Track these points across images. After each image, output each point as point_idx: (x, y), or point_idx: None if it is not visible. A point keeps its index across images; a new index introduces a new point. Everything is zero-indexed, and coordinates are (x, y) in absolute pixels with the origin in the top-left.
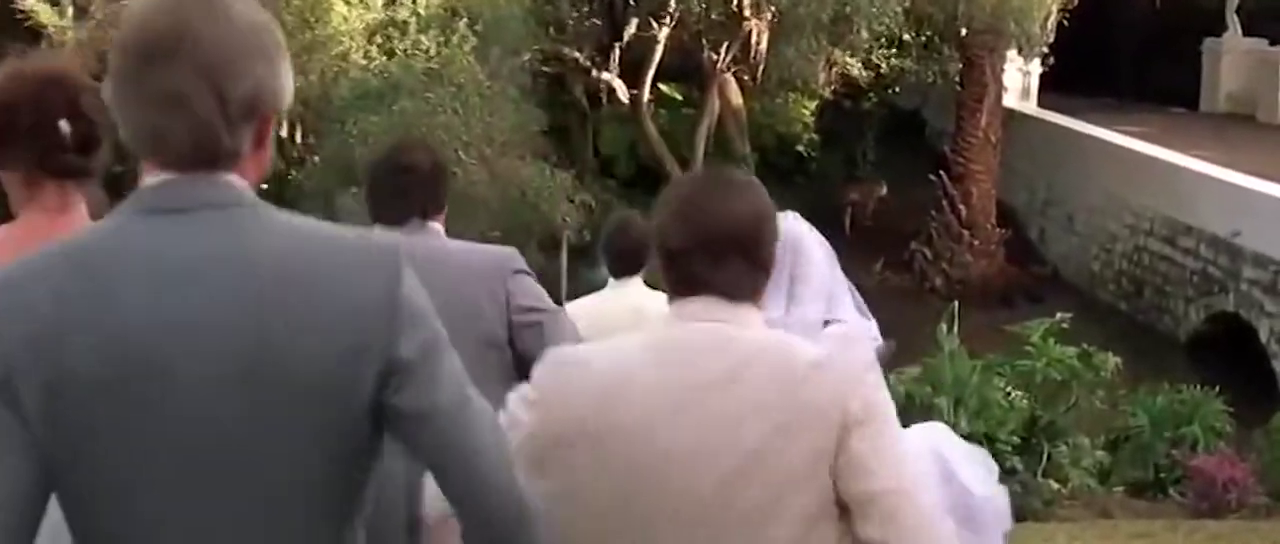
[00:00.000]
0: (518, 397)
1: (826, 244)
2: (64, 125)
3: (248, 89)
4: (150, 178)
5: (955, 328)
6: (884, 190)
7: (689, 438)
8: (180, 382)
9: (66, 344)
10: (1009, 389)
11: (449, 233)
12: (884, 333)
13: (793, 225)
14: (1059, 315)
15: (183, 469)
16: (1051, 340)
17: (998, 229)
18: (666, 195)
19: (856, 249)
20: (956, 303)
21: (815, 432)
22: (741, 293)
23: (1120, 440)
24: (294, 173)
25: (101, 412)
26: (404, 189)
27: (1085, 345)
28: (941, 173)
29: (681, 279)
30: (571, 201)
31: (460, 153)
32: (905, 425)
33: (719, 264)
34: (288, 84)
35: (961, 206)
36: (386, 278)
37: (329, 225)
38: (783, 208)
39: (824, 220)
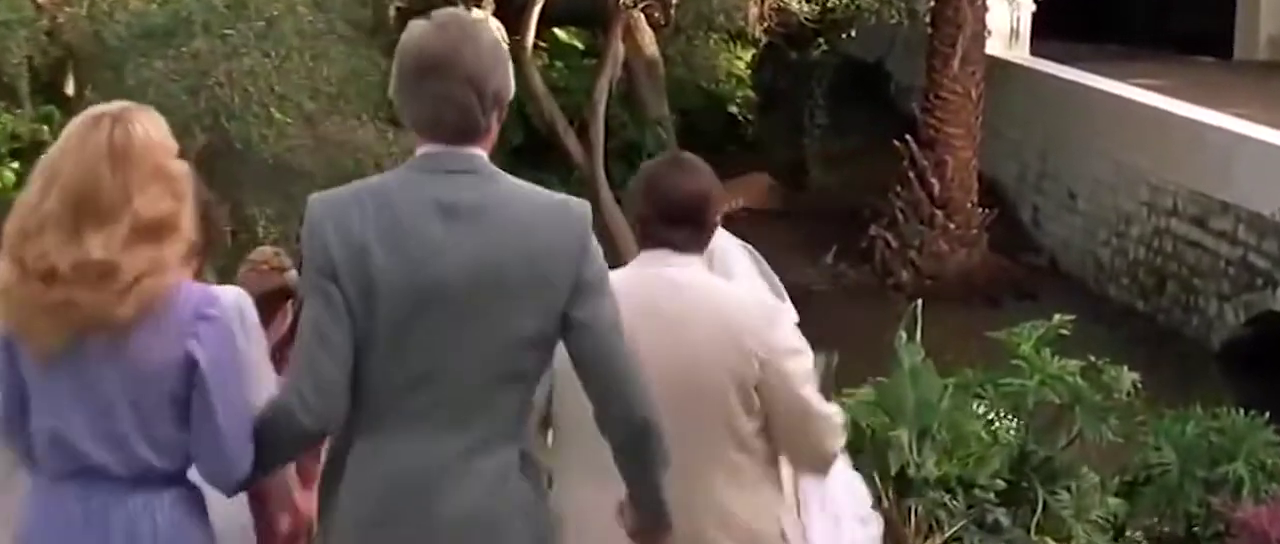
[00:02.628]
0: None
1: (754, 252)
2: None
3: (494, 88)
4: (425, 147)
5: (919, 335)
6: (738, 203)
7: (652, 351)
8: (450, 285)
9: (372, 256)
10: (991, 416)
11: (246, 215)
12: (834, 341)
13: (716, 240)
14: (1057, 318)
15: (446, 340)
16: (1047, 351)
17: (980, 209)
18: (637, 177)
19: (801, 236)
20: (920, 302)
21: (738, 355)
22: (690, 248)
23: (1139, 483)
24: (50, 130)
25: (397, 303)
26: None
27: (1092, 357)
28: (908, 138)
29: (647, 236)
30: None
31: (273, 109)
32: (857, 464)
33: (674, 228)
34: (513, 81)
35: (933, 180)
36: (580, 228)
37: (537, 188)
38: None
39: (773, 197)
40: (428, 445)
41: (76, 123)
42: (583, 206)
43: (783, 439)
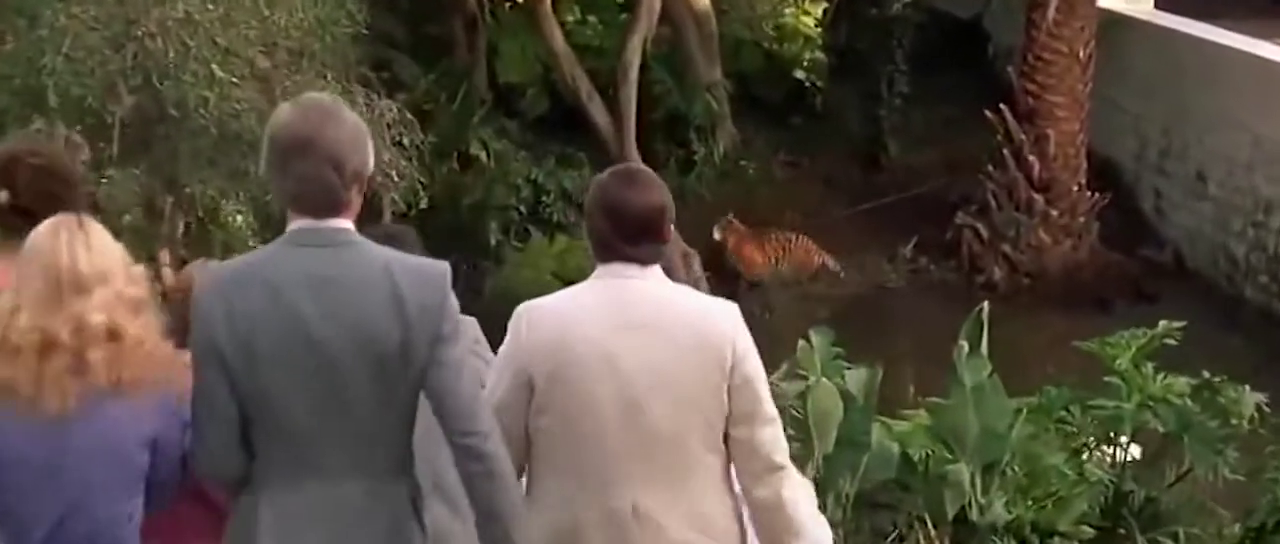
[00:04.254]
0: (512, 324)
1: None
2: (3, 196)
3: (353, 167)
4: (296, 223)
5: (985, 344)
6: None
7: (632, 362)
8: (327, 352)
9: (255, 330)
10: (1078, 446)
11: (185, 194)
12: (909, 350)
13: None
14: (1163, 324)
15: (324, 401)
16: (1148, 365)
17: (1088, 193)
18: (592, 191)
19: (875, 224)
20: (986, 305)
21: (713, 360)
22: (649, 259)
23: (1268, 531)
24: None
25: (281, 372)
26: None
27: (1207, 374)
28: (1004, 109)
29: (605, 250)
30: (399, 145)
31: (215, 66)
32: (900, 505)
33: (631, 242)
34: (372, 160)
35: (1032, 158)
36: (441, 286)
37: (398, 254)
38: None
39: (843, 176)
40: (326, 493)
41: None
42: (441, 267)
43: (737, 443)
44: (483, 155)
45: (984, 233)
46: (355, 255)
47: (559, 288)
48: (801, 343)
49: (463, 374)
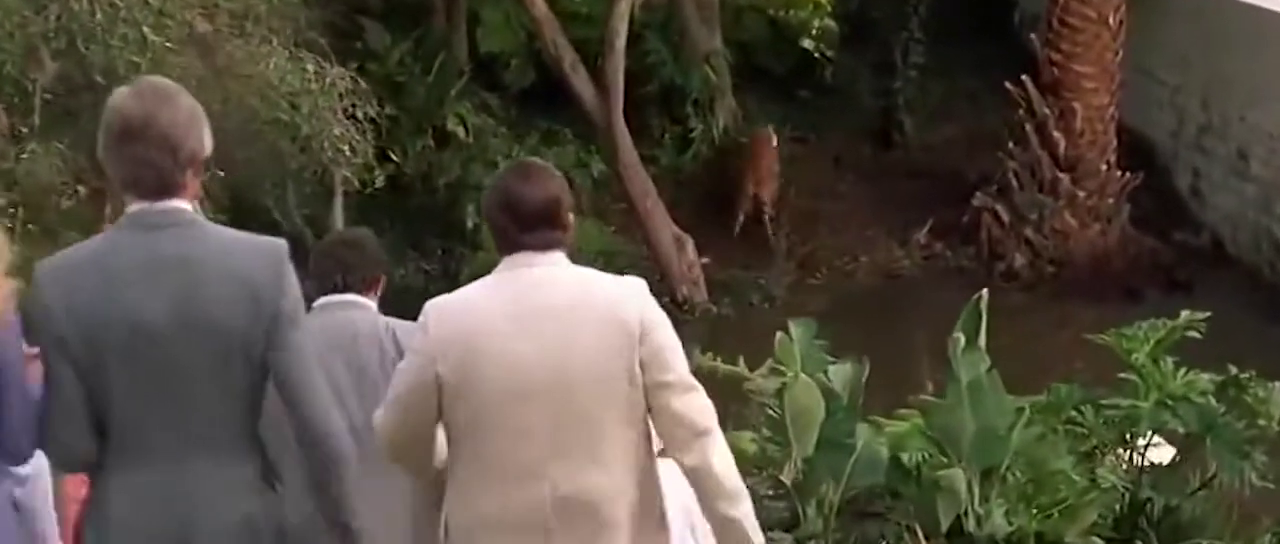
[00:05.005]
0: (420, 322)
1: None
2: None
3: (189, 149)
4: (133, 206)
5: (983, 334)
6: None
7: (540, 346)
8: (167, 333)
9: (96, 316)
10: (1086, 449)
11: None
12: (922, 342)
13: None
14: (1185, 314)
15: (168, 383)
16: (1167, 361)
17: (1120, 172)
18: (487, 189)
19: (888, 206)
20: (985, 293)
21: (621, 336)
22: (549, 247)
23: None
24: None
25: (124, 355)
26: (348, 263)
27: (1234, 369)
28: (1026, 80)
29: (506, 242)
30: (354, 119)
31: (147, 30)
32: (889, 512)
33: (529, 230)
34: (210, 143)
35: (1057, 135)
36: (276, 263)
37: (236, 233)
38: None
39: (853, 154)
40: (173, 475)
41: None
42: (277, 244)
43: (660, 409)
44: (460, 131)
45: (1004, 216)
46: (193, 236)
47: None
48: (780, 335)
49: (301, 356)
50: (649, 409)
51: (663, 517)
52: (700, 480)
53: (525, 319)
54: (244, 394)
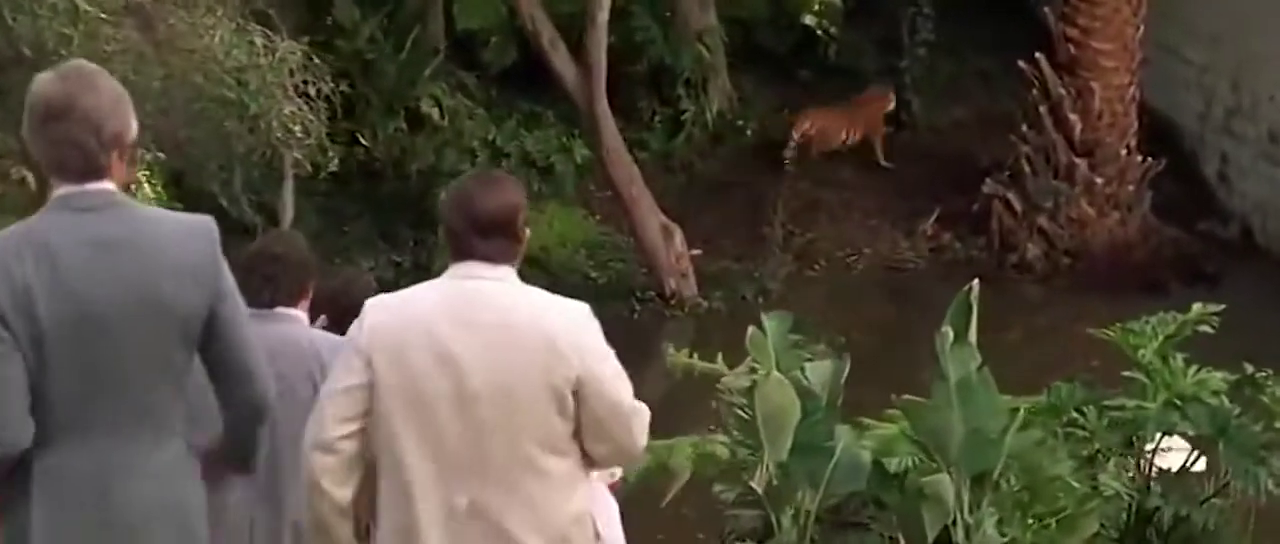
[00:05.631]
0: (358, 319)
1: None
2: None
3: (112, 130)
4: (60, 188)
5: (973, 328)
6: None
7: (471, 359)
8: (105, 313)
9: (34, 295)
10: (1088, 453)
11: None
12: (924, 341)
13: None
14: (1197, 308)
15: (111, 359)
16: (1177, 359)
17: (1141, 157)
18: (446, 194)
19: (892, 193)
20: (977, 283)
21: (556, 360)
22: (503, 259)
23: None
24: None
25: (62, 335)
26: (274, 275)
27: (1250, 367)
28: (1040, 58)
29: (459, 249)
30: (306, 98)
31: (79, 0)
32: (871, 522)
33: (485, 236)
34: (135, 126)
35: (1074, 117)
36: (210, 243)
37: (168, 213)
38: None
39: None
40: (106, 450)
41: None
42: (208, 221)
43: (593, 437)
44: (435, 113)
45: (1017, 204)
46: (125, 216)
47: (520, 266)
48: (752, 329)
49: (246, 331)
50: (582, 434)
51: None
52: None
53: (463, 329)
54: (178, 373)
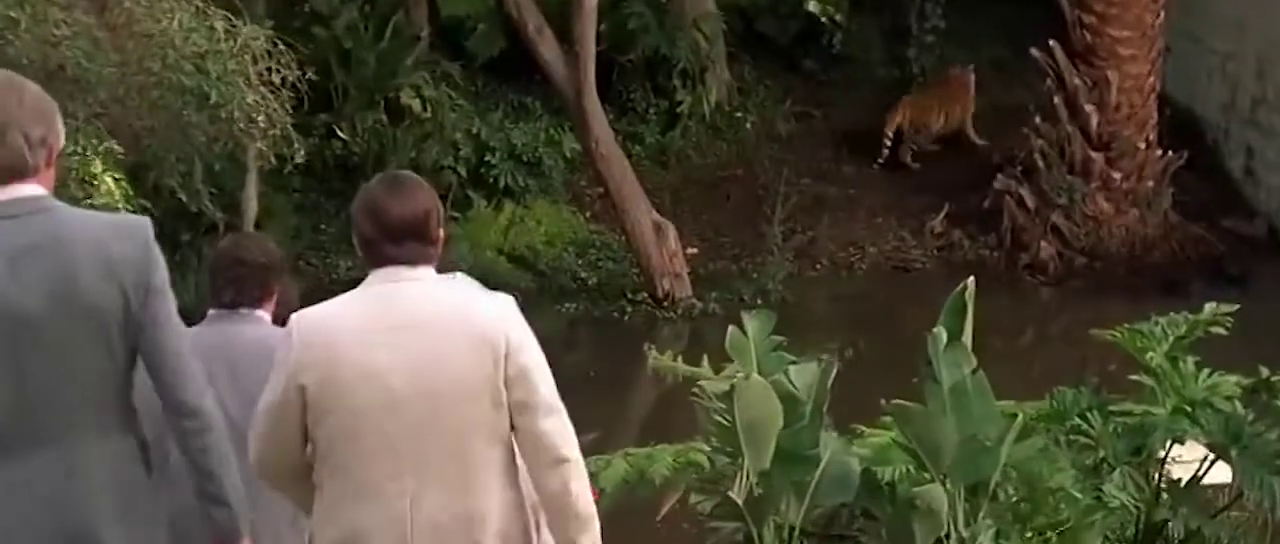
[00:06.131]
0: (283, 335)
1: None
2: None
3: (39, 134)
4: None
5: (969, 329)
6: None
7: (399, 363)
8: (34, 315)
9: None
10: (1093, 462)
11: None
12: (925, 343)
13: None
14: (1210, 307)
15: (46, 361)
16: (1187, 362)
17: (1162, 151)
18: (359, 197)
19: (898, 190)
20: (972, 279)
21: (486, 354)
22: (420, 261)
23: None
24: None
25: None
26: (237, 278)
27: (1266, 371)
28: (1054, 46)
29: (373, 255)
30: (271, 86)
31: None
32: (845, 538)
33: (396, 243)
34: (62, 133)
35: (1089, 108)
36: (143, 239)
37: (97, 214)
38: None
39: (863, 131)
40: (47, 454)
41: None
42: (141, 221)
43: (520, 435)
44: (416, 104)
45: (1030, 201)
46: (54, 220)
47: (505, 266)
48: (732, 329)
49: (172, 330)
50: (513, 430)
51: (530, 540)
52: (557, 505)
53: (390, 334)
54: (120, 372)
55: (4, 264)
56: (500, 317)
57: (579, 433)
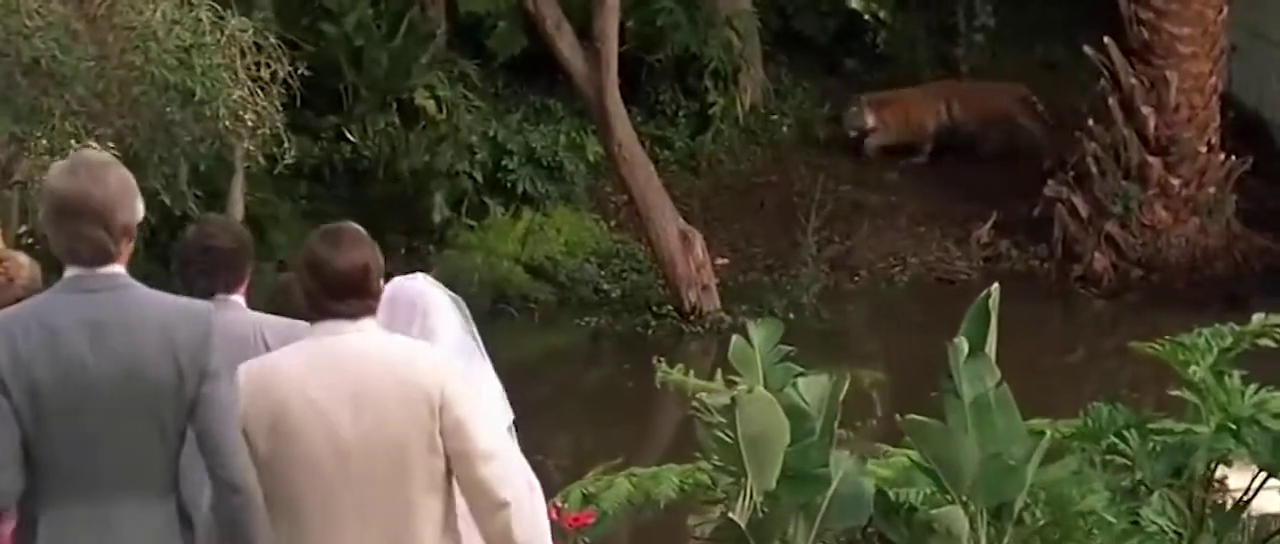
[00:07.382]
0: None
1: (460, 301)
2: None
3: (121, 221)
4: (71, 271)
5: (992, 339)
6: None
7: (342, 414)
8: (100, 389)
9: (35, 369)
10: (1129, 484)
11: None
12: None
13: (413, 286)
14: (1258, 318)
15: (103, 430)
16: (1232, 377)
17: (1225, 155)
18: (302, 250)
19: (945, 198)
20: (996, 288)
21: (422, 406)
22: (360, 314)
23: None
24: None
25: (59, 406)
26: (208, 266)
27: None
28: (1109, 43)
29: (316, 308)
30: (261, 82)
31: None
32: None
33: (337, 299)
34: (141, 208)
35: (1148, 110)
36: (204, 325)
37: (166, 296)
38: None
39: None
40: (97, 512)
41: None
42: (205, 308)
43: (460, 482)
44: (431, 105)
45: (1083, 209)
46: (127, 300)
47: (522, 277)
48: (735, 339)
49: (226, 412)
50: (453, 476)
51: None
52: None
53: (329, 387)
54: (170, 443)
55: (87, 334)
56: (435, 368)
57: (600, 457)
